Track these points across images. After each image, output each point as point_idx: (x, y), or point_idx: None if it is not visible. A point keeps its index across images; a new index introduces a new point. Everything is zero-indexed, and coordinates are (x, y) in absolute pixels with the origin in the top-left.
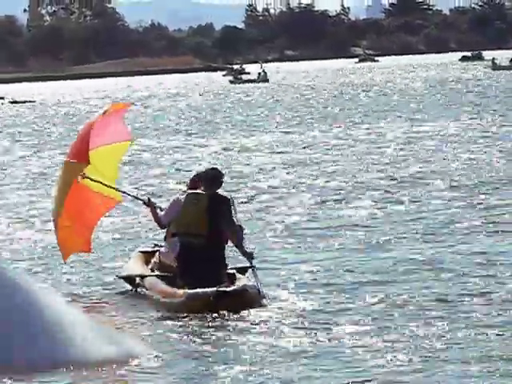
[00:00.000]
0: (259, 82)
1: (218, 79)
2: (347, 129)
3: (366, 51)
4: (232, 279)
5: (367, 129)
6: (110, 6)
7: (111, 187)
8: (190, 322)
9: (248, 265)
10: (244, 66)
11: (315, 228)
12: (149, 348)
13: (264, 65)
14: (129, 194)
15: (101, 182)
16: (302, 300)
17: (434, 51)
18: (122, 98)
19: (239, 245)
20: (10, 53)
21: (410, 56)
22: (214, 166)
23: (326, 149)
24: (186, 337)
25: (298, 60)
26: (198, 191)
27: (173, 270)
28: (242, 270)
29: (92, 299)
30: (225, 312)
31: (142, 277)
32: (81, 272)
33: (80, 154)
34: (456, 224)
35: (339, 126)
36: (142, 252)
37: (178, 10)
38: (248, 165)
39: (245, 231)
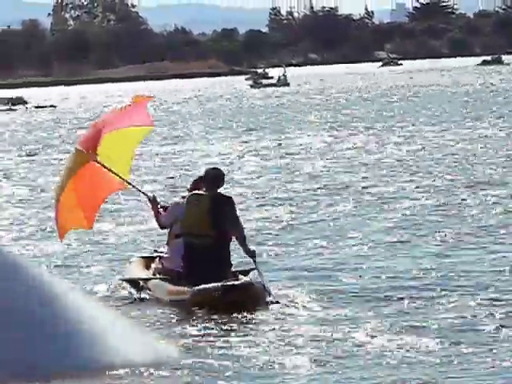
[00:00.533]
0: (280, 86)
1: (239, 84)
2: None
3: (390, 55)
4: (236, 278)
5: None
6: (133, 10)
7: (120, 177)
8: (196, 323)
9: (250, 268)
10: (267, 69)
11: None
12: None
13: (287, 68)
14: (135, 187)
15: (111, 170)
16: (306, 298)
17: (458, 55)
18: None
19: (243, 243)
20: (34, 57)
21: (434, 60)
22: (215, 166)
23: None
24: (192, 339)
25: (321, 64)
26: (199, 192)
27: (175, 275)
28: (245, 273)
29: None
30: (232, 310)
31: (146, 280)
32: (80, 277)
33: (88, 144)
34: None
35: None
36: (141, 257)
37: (203, 13)
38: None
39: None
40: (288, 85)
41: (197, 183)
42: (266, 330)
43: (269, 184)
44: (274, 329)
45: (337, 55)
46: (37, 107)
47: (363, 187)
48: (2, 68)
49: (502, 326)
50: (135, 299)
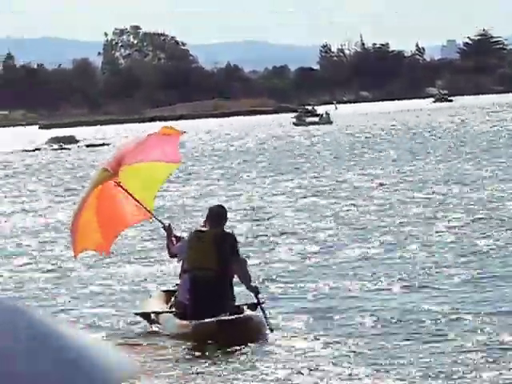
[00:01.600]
0: (322, 123)
1: (285, 121)
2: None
3: (441, 91)
4: (241, 312)
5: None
6: (183, 47)
7: (139, 202)
8: (192, 357)
9: (256, 302)
10: (316, 107)
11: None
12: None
13: (339, 105)
14: (153, 215)
15: (131, 196)
16: (309, 335)
17: (509, 90)
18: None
19: (244, 280)
20: (85, 95)
21: (485, 96)
22: (219, 204)
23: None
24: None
25: (372, 101)
26: (202, 229)
27: (184, 307)
28: (253, 306)
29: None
30: (230, 343)
31: (157, 313)
32: (100, 309)
33: (113, 165)
34: None
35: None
36: (163, 291)
37: (253, 51)
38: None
39: (248, 264)
40: (331, 123)
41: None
42: (264, 366)
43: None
44: (271, 364)
45: (388, 92)
46: (88, 146)
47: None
48: (53, 107)
49: None
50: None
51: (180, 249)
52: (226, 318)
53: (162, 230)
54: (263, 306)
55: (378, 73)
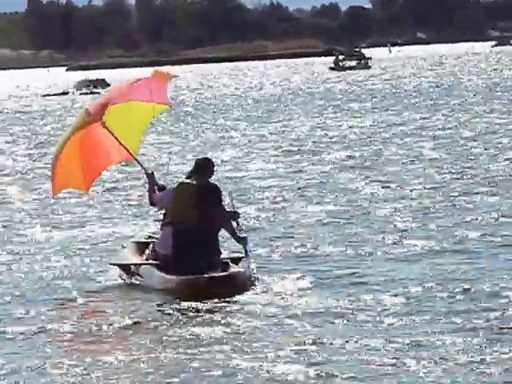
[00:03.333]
0: (360, 68)
1: (320, 66)
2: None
3: (503, 33)
4: (225, 267)
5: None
6: None
7: (122, 145)
8: (181, 310)
9: (241, 255)
10: (365, 50)
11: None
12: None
13: (392, 48)
14: (137, 161)
15: (115, 138)
16: (293, 286)
17: None
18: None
19: (232, 232)
20: (118, 35)
21: None
22: (206, 156)
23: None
24: (176, 326)
25: (429, 43)
26: (187, 181)
27: (166, 260)
28: (236, 260)
29: (86, 290)
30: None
31: (137, 265)
32: (72, 264)
33: (98, 108)
34: None
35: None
36: (135, 242)
37: None
38: None
39: (240, 217)
40: (368, 68)
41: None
42: (248, 320)
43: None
44: (256, 316)
45: (446, 34)
46: None
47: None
48: (84, 48)
49: None
50: (126, 284)
51: (161, 198)
52: (217, 274)
53: (145, 176)
54: (250, 256)
55: (437, 13)
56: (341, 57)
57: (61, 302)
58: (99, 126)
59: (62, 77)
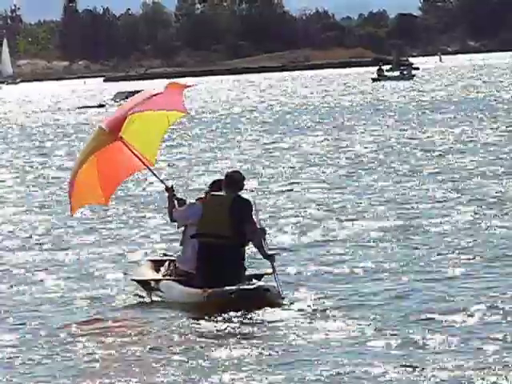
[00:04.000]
0: (401, 79)
1: (365, 75)
2: None
3: None
4: (250, 282)
5: None
6: None
7: (141, 160)
8: (205, 324)
9: (263, 272)
10: (414, 59)
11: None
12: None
13: (443, 57)
14: (155, 174)
15: (133, 152)
16: (320, 300)
17: None
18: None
19: (260, 247)
20: (157, 44)
21: None
22: (236, 169)
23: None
24: (201, 339)
25: (481, 51)
26: (221, 193)
27: (188, 276)
28: (258, 277)
29: (105, 307)
30: (244, 312)
31: (158, 280)
32: (88, 283)
33: (114, 124)
34: None
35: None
36: (150, 260)
37: None
38: None
39: (267, 234)
40: (411, 78)
41: (214, 186)
42: (277, 335)
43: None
44: (285, 334)
45: (500, 42)
46: None
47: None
48: (120, 58)
49: None
50: (146, 301)
51: (185, 214)
52: (248, 287)
53: (165, 191)
54: (277, 274)
55: (489, 20)
56: (384, 67)
57: (78, 322)
58: (117, 142)
59: (99, 88)
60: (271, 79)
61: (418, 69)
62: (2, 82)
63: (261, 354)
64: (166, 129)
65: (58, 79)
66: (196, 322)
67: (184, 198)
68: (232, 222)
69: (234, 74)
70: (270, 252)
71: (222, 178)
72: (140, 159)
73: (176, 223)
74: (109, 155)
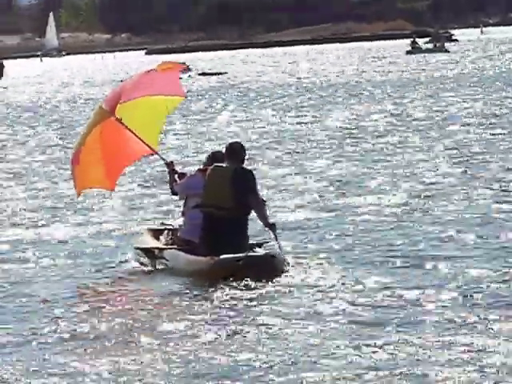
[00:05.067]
0: (437, 52)
1: (400, 48)
2: None
3: None
4: (254, 250)
5: None
6: None
7: (140, 138)
8: (216, 293)
9: (264, 241)
10: (455, 31)
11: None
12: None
13: (484, 29)
14: (154, 151)
15: (132, 132)
16: (322, 268)
17: None
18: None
19: (262, 217)
20: (194, 19)
21: None
22: (237, 140)
23: None
24: (209, 305)
25: None
26: (223, 164)
27: (191, 245)
28: (260, 245)
29: (107, 277)
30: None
31: (161, 249)
32: (90, 251)
33: (111, 104)
34: None
35: None
36: (149, 229)
37: None
38: None
39: (267, 204)
40: (446, 51)
41: (212, 158)
42: (285, 302)
43: None
44: (291, 299)
45: None
46: (201, 74)
47: None
48: (159, 31)
49: None
50: (150, 269)
51: (187, 186)
52: (255, 254)
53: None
54: (279, 242)
55: None
56: (419, 40)
57: (81, 289)
58: (116, 122)
59: (141, 61)
60: (314, 51)
61: (456, 40)
62: (45, 55)
63: (263, 325)
64: (166, 115)
65: (99, 52)
66: (201, 290)
67: (185, 172)
68: (234, 194)
69: (272, 46)
70: (271, 221)
71: (221, 150)
72: (141, 140)
73: (177, 196)
74: (110, 139)
